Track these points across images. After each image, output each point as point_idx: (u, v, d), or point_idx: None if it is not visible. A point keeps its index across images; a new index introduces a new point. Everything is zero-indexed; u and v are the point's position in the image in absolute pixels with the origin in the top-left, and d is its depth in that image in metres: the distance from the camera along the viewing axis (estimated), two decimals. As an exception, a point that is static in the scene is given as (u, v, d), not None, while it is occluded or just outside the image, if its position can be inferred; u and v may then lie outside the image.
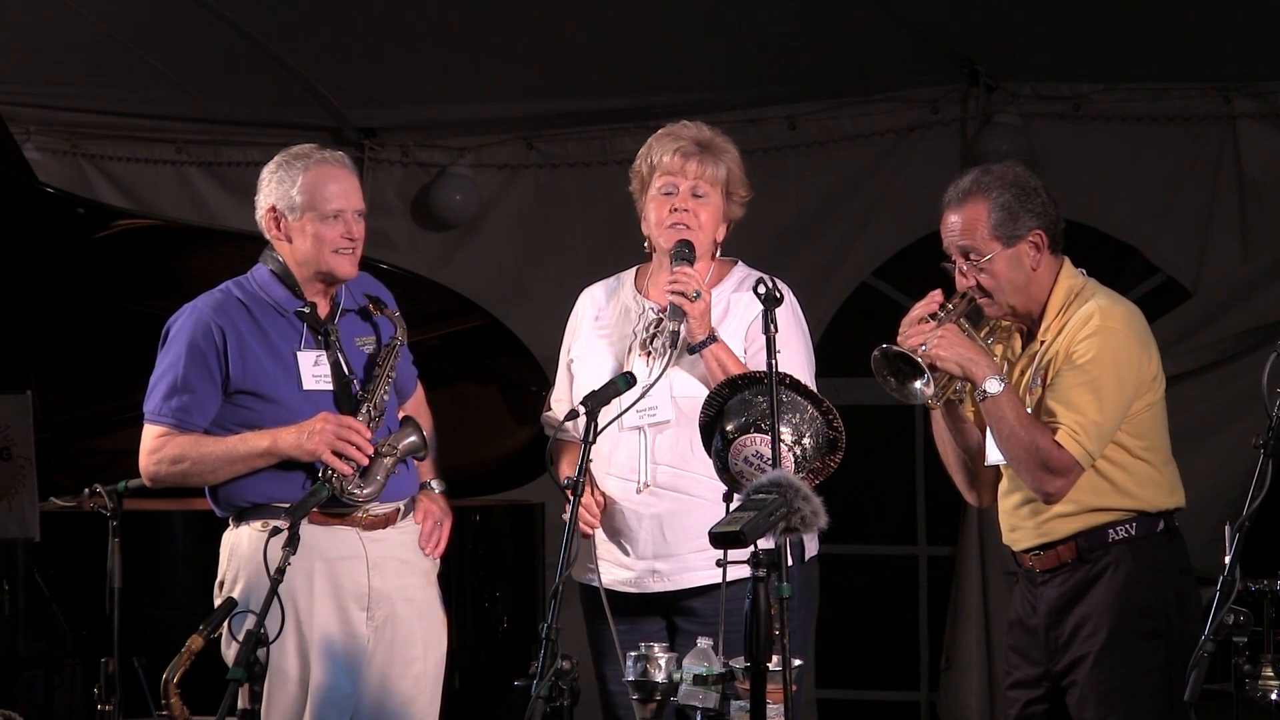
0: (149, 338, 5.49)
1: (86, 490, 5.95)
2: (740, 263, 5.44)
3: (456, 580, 7.03)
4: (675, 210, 5.29)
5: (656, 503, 5.24)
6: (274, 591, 4.74)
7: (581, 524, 5.13)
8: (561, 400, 5.42)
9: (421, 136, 9.25)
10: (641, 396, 5.12)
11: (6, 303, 7.06)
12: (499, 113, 8.96)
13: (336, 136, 9.01)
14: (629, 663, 4.68)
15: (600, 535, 5.27)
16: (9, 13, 7.93)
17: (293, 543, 4.77)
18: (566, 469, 5.29)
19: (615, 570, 5.28)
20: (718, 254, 5.40)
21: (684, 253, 5.26)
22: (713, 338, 5.20)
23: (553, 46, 8.24)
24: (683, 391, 5.23)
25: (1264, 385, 4.30)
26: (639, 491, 5.25)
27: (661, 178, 5.31)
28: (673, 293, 5.20)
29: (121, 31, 8.17)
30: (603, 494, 5.27)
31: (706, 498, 5.09)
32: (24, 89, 8.60)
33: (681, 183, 5.30)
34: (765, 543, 4.35)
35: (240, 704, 4.72)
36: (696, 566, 5.17)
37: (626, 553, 5.26)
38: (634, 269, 5.49)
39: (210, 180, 9.24)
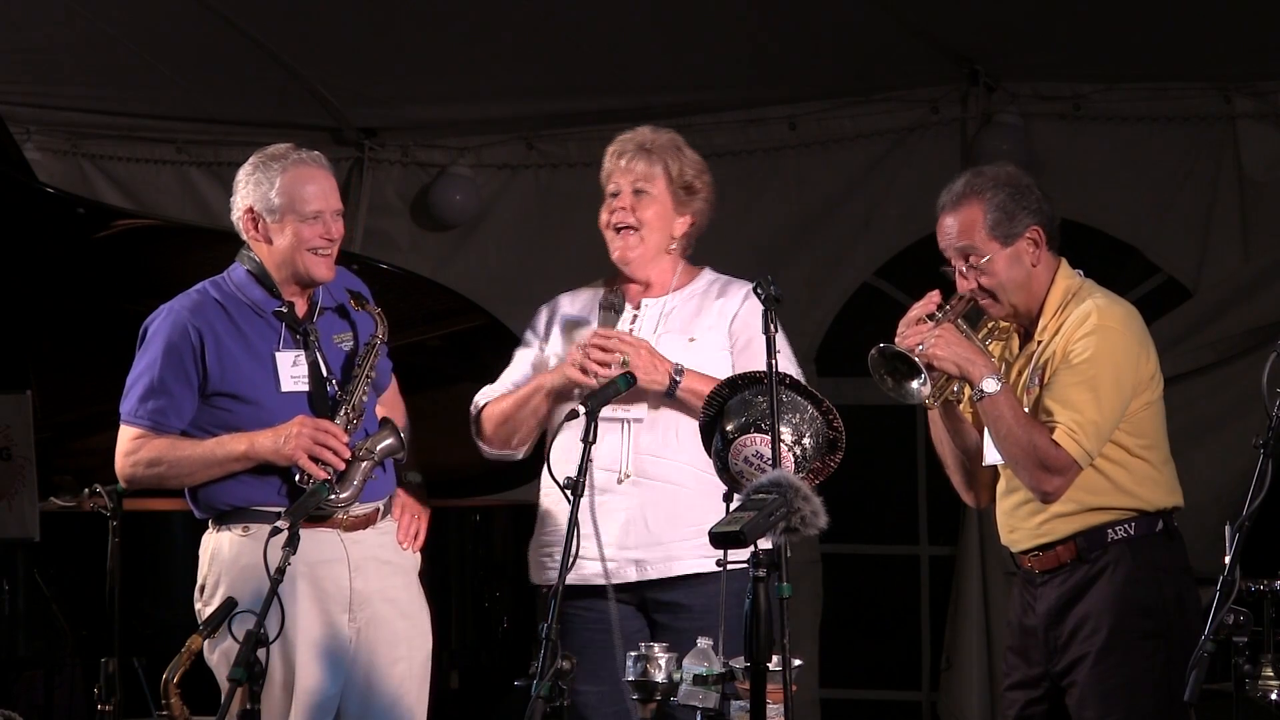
0: (149, 338, 5.48)
1: (86, 490, 5.95)
2: (708, 269, 5.48)
3: (456, 580, 7.04)
4: (615, 211, 5.35)
5: (638, 492, 5.26)
6: (274, 591, 4.73)
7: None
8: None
9: (421, 136, 9.25)
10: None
11: (6, 303, 7.05)
12: (499, 113, 8.96)
13: (336, 136, 9.01)
14: (629, 662, 4.67)
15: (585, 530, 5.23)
16: (9, 13, 7.93)
17: (293, 543, 4.76)
18: (502, 405, 5.39)
19: (590, 564, 5.21)
20: (679, 254, 5.42)
21: (613, 303, 5.34)
22: (677, 376, 5.22)
23: (553, 46, 8.24)
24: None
25: (1264, 385, 4.30)
26: (620, 482, 5.26)
27: (608, 184, 5.39)
28: (601, 364, 5.20)
29: (121, 31, 8.17)
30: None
31: (689, 485, 5.16)
32: (24, 89, 8.60)
33: (623, 182, 5.36)
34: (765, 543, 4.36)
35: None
36: (680, 555, 5.20)
37: (604, 544, 5.24)
38: (602, 280, 5.52)
39: (210, 180, 9.23)
